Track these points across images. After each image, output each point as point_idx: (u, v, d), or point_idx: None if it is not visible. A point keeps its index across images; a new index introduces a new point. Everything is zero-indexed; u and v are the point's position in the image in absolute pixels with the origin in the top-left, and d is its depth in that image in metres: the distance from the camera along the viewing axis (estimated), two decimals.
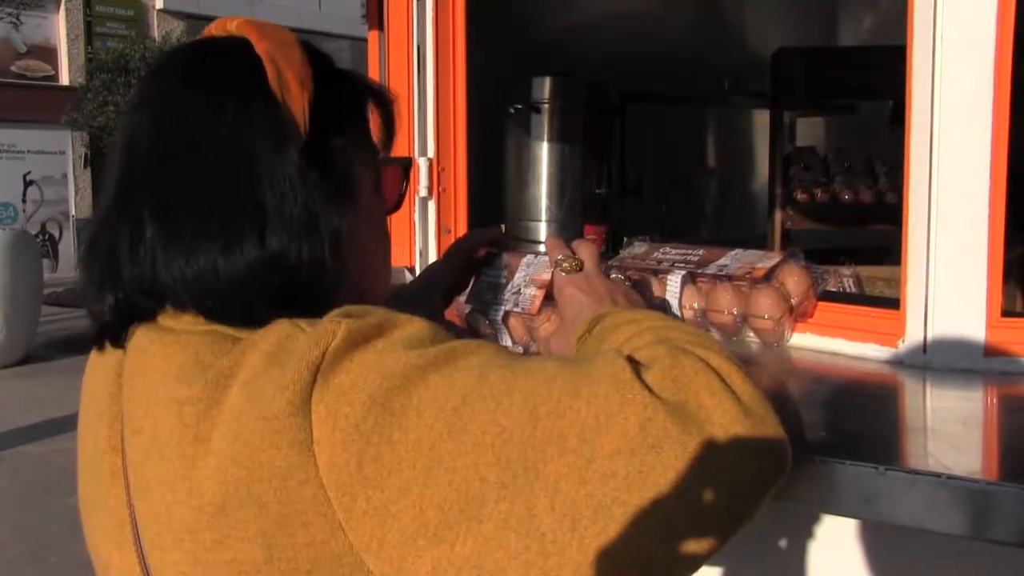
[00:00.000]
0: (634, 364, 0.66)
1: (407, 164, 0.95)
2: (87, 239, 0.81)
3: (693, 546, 0.62)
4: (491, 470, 0.62)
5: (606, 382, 0.63)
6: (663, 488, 0.60)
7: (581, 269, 1.00)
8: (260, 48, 0.79)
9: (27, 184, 12.40)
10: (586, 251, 1.02)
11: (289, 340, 0.70)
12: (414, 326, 0.71)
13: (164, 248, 0.74)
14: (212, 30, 0.84)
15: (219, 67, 0.80)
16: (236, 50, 0.80)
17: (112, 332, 0.80)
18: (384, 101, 0.91)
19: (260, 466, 0.66)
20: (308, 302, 0.76)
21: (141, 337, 0.77)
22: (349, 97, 0.86)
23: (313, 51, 0.84)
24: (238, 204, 0.74)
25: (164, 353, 0.74)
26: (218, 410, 0.69)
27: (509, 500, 0.61)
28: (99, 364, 0.84)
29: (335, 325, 0.68)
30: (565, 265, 1.01)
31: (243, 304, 0.74)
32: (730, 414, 0.63)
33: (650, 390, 0.63)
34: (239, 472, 0.66)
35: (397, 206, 0.94)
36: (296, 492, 0.65)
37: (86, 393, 0.85)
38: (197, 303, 0.75)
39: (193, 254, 0.74)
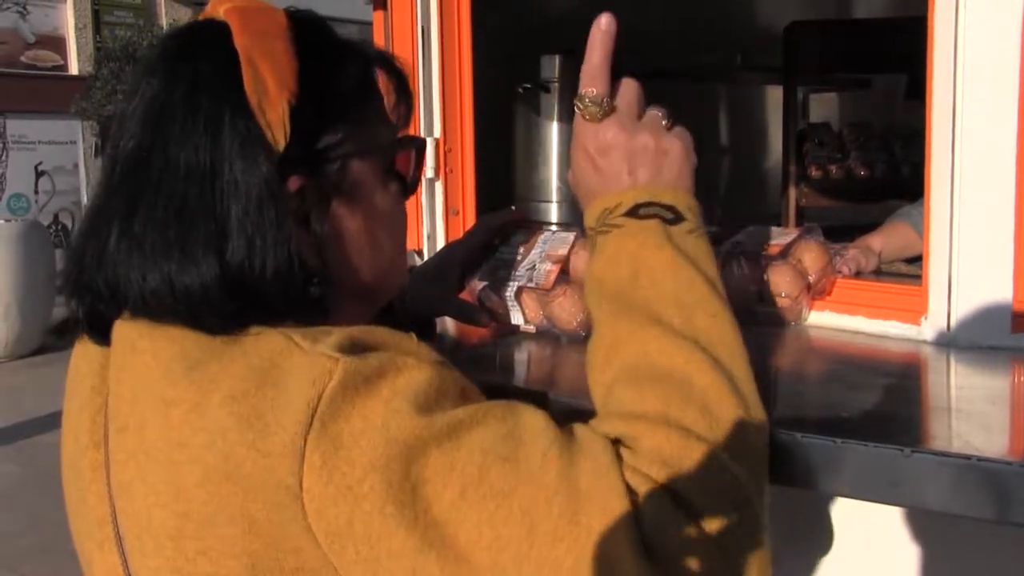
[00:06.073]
0: (635, 495, 0.63)
1: (420, 145, 0.89)
2: (71, 242, 0.79)
3: None
4: (485, 573, 0.61)
5: (607, 521, 0.61)
6: None
7: (609, 115, 0.80)
8: (239, 43, 0.74)
9: (39, 175, 12.43)
10: (627, 92, 0.81)
11: (282, 357, 0.67)
12: (421, 374, 0.67)
13: (126, 257, 0.72)
14: (208, 11, 0.80)
15: (196, 65, 0.75)
16: (215, 46, 0.75)
17: (89, 333, 0.79)
18: (395, 73, 0.85)
19: (254, 490, 0.64)
20: (294, 313, 0.73)
21: (129, 330, 0.75)
22: (348, 80, 0.80)
23: (305, 33, 0.78)
24: (197, 219, 0.71)
25: (152, 348, 0.72)
26: (198, 415, 0.67)
27: None
28: (82, 354, 0.82)
29: (331, 363, 0.65)
30: (588, 105, 0.79)
31: (201, 320, 0.71)
32: None
33: (648, 544, 0.62)
34: (232, 488, 0.65)
35: (412, 189, 0.88)
36: (289, 523, 0.64)
37: (69, 385, 0.83)
38: (155, 317, 0.72)
39: (149, 269, 0.71)
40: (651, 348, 0.71)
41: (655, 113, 0.82)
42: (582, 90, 0.80)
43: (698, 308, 0.73)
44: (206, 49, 0.76)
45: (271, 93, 0.73)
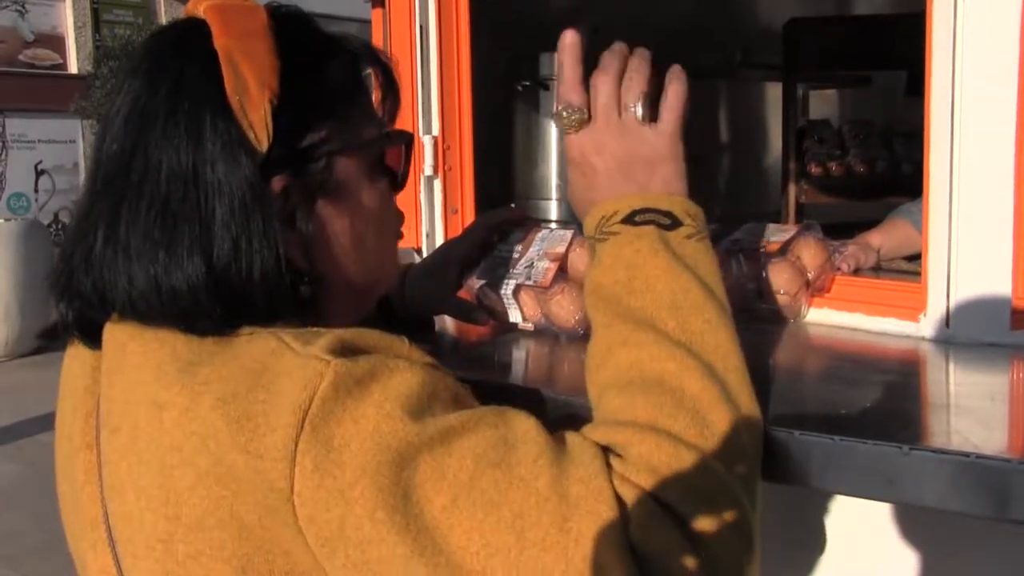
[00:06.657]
0: (624, 502, 0.63)
1: (408, 140, 0.88)
2: (61, 245, 0.79)
3: None
4: None
5: (596, 528, 0.61)
6: None
7: (586, 123, 0.80)
8: (219, 43, 0.73)
9: (39, 173, 12.43)
10: (602, 89, 0.81)
11: (273, 359, 0.67)
12: (413, 377, 0.67)
13: (112, 261, 0.72)
14: (188, 8, 0.78)
15: (177, 66, 0.74)
16: (196, 46, 0.74)
17: (80, 336, 0.78)
18: (381, 67, 0.85)
19: (244, 493, 0.64)
20: (284, 313, 0.72)
21: (120, 332, 0.75)
22: (332, 77, 0.79)
23: (287, 29, 0.77)
24: (181, 222, 0.70)
25: (143, 350, 0.72)
26: (188, 419, 0.66)
27: None
28: (74, 355, 0.82)
29: (322, 366, 0.65)
30: (567, 116, 0.80)
31: (190, 322, 0.71)
32: None
33: (637, 551, 0.62)
34: (223, 492, 0.65)
35: (402, 184, 0.87)
36: (280, 527, 0.64)
37: (62, 386, 0.83)
38: (144, 319, 0.72)
39: (136, 271, 0.71)
40: (644, 354, 0.71)
41: (633, 117, 0.81)
42: (559, 106, 0.80)
43: (693, 313, 0.73)
44: (187, 49, 0.75)
45: (252, 93, 0.72)
